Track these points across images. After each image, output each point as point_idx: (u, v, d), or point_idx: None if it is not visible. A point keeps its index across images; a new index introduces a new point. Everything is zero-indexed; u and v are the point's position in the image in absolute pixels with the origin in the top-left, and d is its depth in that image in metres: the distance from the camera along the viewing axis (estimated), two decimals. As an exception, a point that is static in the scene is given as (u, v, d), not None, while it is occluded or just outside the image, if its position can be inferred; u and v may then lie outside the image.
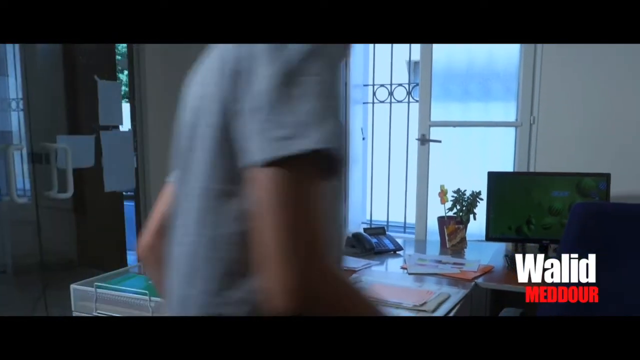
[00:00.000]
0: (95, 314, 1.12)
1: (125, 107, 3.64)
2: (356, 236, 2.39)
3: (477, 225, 2.54)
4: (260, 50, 0.61)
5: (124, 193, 4.05)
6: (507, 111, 2.84)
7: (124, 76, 5.40)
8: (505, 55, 2.81)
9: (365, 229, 2.50)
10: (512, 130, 2.79)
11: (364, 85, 3.52)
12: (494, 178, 2.42)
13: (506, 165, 2.79)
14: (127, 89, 3.79)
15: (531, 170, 2.67)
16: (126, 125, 3.67)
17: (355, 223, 3.43)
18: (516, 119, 2.75)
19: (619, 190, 2.36)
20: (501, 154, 2.85)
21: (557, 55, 2.56)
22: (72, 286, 1.16)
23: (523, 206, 2.36)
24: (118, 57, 3.77)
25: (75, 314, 1.14)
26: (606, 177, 2.28)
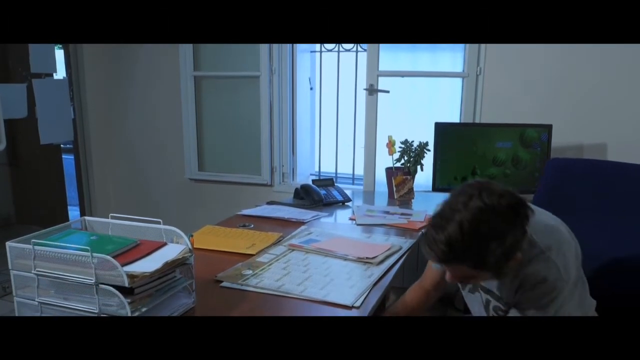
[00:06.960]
0: (34, 272, 1.07)
1: (59, 54, 3.43)
2: (305, 188, 2.37)
3: (424, 175, 2.58)
4: None
5: (62, 146, 3.87)
6: (455, 62, 2.85)
7: (56, 21, 5.07)
8: (453, 5, 2.80)
9: (313, 181, 2.48)
10: (459, 80, 2.80)
11: (312, 34, 3.44)
12: (441, 129, 2.44)
13: (453, 115, 2.82)
14: (60, 35, 3.57)
15: (477, 121, 2.71)
16: (61, 73, 3.47)
17: (304, 175, 3.42)
18: (463, 70, 2.77)
19: (559, 141, 2.43)
20: (448, 104, 2.87)
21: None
22: (8, 244, 1.09)
23: (468, 157, 2.40)
24: None
25: (13, 272, 1.09)
26: (548, 129, 2.34)
